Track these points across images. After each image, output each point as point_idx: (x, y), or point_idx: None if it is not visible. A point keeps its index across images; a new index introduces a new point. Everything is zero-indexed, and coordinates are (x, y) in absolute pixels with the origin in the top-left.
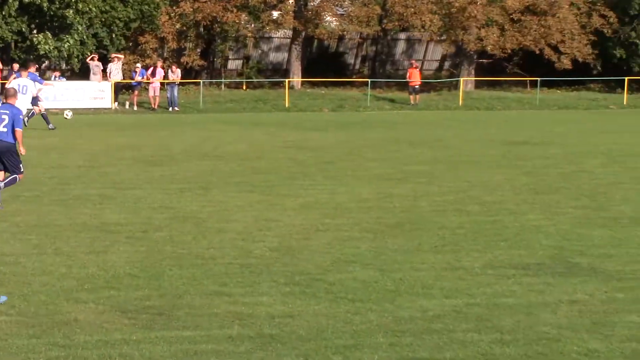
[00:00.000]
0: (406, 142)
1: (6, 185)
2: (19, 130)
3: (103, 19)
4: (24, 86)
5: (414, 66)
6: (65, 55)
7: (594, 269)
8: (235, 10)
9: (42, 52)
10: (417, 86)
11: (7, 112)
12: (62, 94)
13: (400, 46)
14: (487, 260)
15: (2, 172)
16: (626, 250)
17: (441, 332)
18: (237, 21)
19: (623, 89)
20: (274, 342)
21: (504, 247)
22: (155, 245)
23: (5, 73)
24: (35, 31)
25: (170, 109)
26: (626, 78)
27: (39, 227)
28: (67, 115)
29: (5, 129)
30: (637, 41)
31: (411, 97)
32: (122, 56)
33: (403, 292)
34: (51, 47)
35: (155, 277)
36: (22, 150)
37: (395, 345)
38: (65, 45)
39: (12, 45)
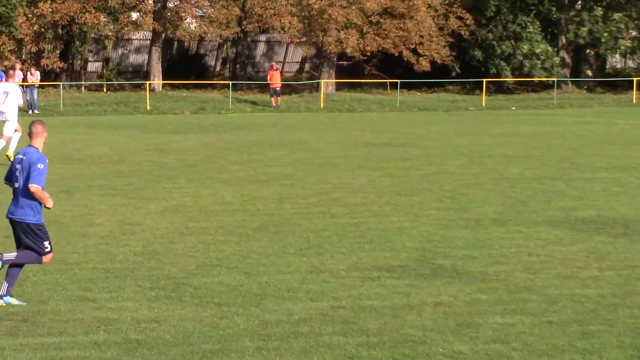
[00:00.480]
0: (268, 144)
1: None
2: None
3: None
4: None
5: (275, 68)
6: None
7: (458, 270)
8: (93, 10)
9: None
10: (278, 88)
11: None
12: None
13: (261, 48)
14: (351, 262)
15: None
16: (488, 251)
17: (308, 335)
18: (95, 22)
19: (482, 90)
20: (140, 347)
21: (368, 249)
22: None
23: None
24: None
25: (30, 111)
26: (484, 80)
27: None
28: None
29: None
30: (494, 43)
31: (272, 99)
32: None
33: (269, 296)
34: None
35: (18, 283)
36: None
37: (262, 349)
38: None
39: None
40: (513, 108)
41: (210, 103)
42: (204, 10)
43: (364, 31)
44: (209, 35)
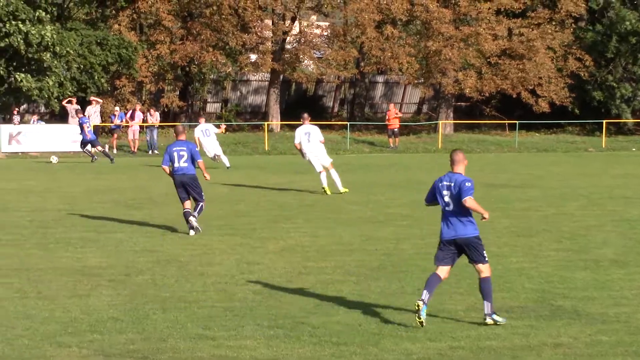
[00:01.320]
0: (386, 184)
1: (199, 213)
2: (200, 161)
3: (82, 63)
4: (206, 130)
5: (393, 109)
6: (46, 95)
7: (577, 311)
8: (211, 49)
9: (24, 90)
10: (396, 129)
11: (185, 148)
12: (41, 137)
13: (379, 89)
14: (470, 303)
15: (188, 202)
16: (608, 292)
17: None
18: (214, 59)
19: (601, 132)
20: None
21: None
22: (138, 288)
23: None
24: (13, 71)
25: (150, 151)
26: (604, 121)
27: (21, 270)
28: (53, 160)
29: (186, 164)
30: (615, 84)
31: (390, 140)
32: (100, 100)
33: (387, 335)
34: (32, 86)
35: (138, 321)
36: (206, 176)
37: None
38: (45, 86)
39: None
40: (633, 149)
41: (328, 144)
42: (322, 52)
43: (482, 72)
44: (326, 76)
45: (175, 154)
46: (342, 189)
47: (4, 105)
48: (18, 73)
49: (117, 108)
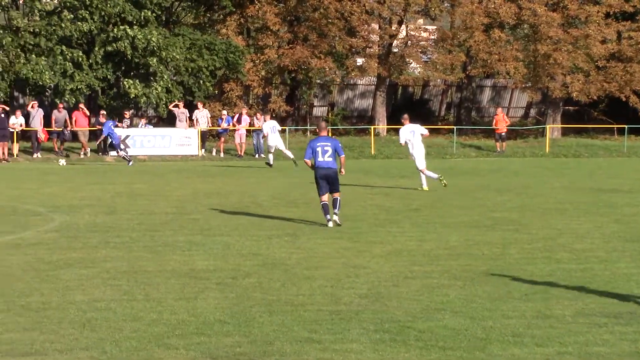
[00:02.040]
0: (493, 189)
1: (339, 209)
2: (343, 157)
3: (189, 68)
4: (273, 127)
5: (500, 113)
6: (154, 102)
7: None
8: (322, 56)
9: (132, 96)
10: (503, 133)
11: (329, 143)
12: (149, 141)
13: (486, 93)
14: (578, 308)
15: (327, 195)
16: None
17: None
18: (323, 67)
19: None
20: None
21: (595, 295)
22: (245, 291)
23: (92, 120)
24: (122, 78)
25: (257, 155)
26: None
27: (129, 273)
28: (60, 163)
29: (330, 158)
30: None
31: (497, 144)
32: (207, 103)
33: (494, 340)
34: (139, 93)
35: (245, 324)
36: (342, 171)
37: None
38: (153, 92)
39: (100, 92)
40: None
41: (434, 148)
42: (429, 56)
43: (590, 75)
44: (433, 80)
45: (319, 148)
46: (425, 187)
47: (113, 109)
48: (126, 79)
49: (224, 112)
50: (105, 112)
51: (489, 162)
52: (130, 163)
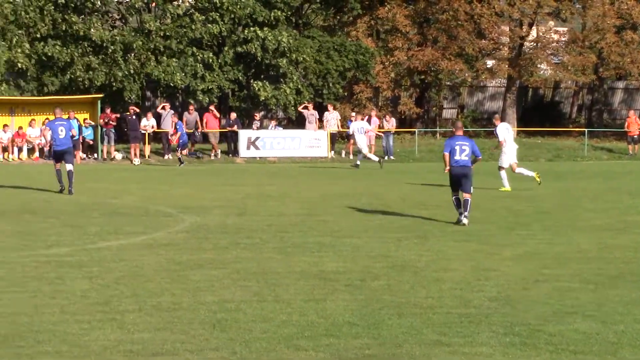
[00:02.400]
0: (625, 192)
1: (469, 211)
2: (480, 158)
3: (317, 70)
4: (361, 127)
5: (633, 115)
6: (282, 104)
7: None
8: (452, 57)
9: (262, 99)
10: (635, 136)
11: (467, 143)
12: (278, 143)
13: (618, 95)
14: None
15: (459, 191)
16: None
17: None
18: (453, 69)
19: None
20: None
21: None
22: (374, 293)
23: (222, 122)
24: (252, 80)
25: (386, 157)
26: None
27: (259, 274)
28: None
29: (466, 158)
30: None
31: (630, 147)
32: (337, 105)
33: (625, 345)
34: (269, 95)
35: (374, 326)
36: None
37: None
38: (283, 94)
39: (230, 94)
40: None
41: (565, 150)
42: (560, 57)
43: None
44: (564, 82)
45: (457, 147)
46: (506, 187)
47: (243, 110)
48: (256, 82)
49: (353, 114)
50: (235, 114)
51: (621, 165)
52: (182, 165)
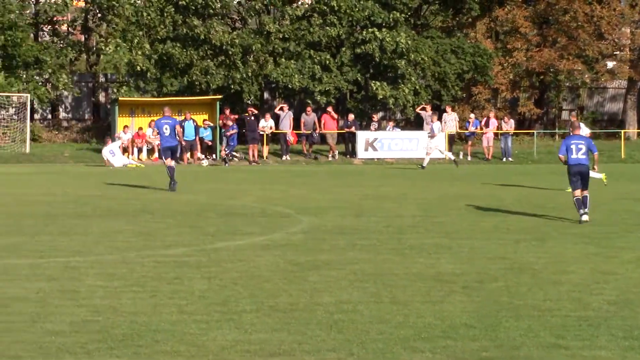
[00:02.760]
0: None
1: (588, 204)
2: (596, 154)
3: (436, 71)
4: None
5: None
6: (401, 104)
7: None
8: (570, 58)
9: (379, 98)
10: None
11: (583, 141)
12: (396, 144)
13: None
14: None
15: (579, 190)
16: None
17: None
18: (572, 69)
19: None
20: None
21: None
22: (491, 295)
23: (340, 123)
24: (370, 80)
25: (504, 159)
26: None
27: (376, 275)
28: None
29: (584, 156)
30: None
31: None
32: (455, 106)
33: None
34: (387, 94)
35: (491, 328)
36: (595, 168)
37: None
38: (401, 93)
39: (348, 95)
40: None
41: None
42: None
43: None
44: None
45: (573, 146)
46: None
47: (361, 112)
48: (374, 81)
49: (472, 115)
50: (353, 116)
51: None
52: (228, 164)
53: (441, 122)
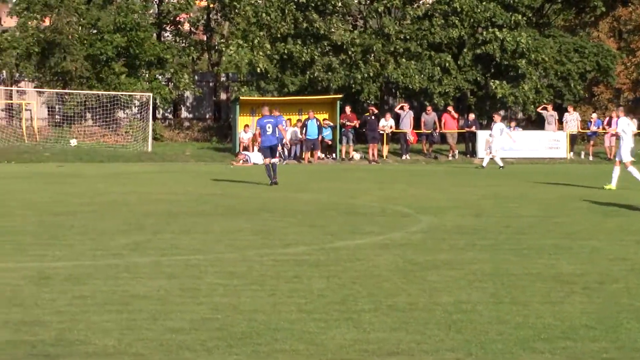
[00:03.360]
0: None
1: None
2: None
3: (558, 71)
4: (502, 129)
5: None
6: (521, 102)
7: None
8: None
9: (498, 96)
10: None
11: None
12: (517, 143)
13: None
14: None
15: None
16: None
17: None
18: None
19: None
20: None
21: None
22: (612, 297)
23: (461, 122)
24: (490, 80)
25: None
26: None
27: (495, 275)
28: (72, 142)
29: None
30: None
31: None
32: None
33: None
34: (506, 93)
35: (612, 330)
36: None
37: None
38: (520, 91)
39: (468, 94)
40: None
41: None
42: None
43: None
44: None
45: None
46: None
47: (481, 111)
48: (493, 80)
49: (593, 115)
50: (474, 115)
51: None
52: (284, 162)
53: (562, 122)
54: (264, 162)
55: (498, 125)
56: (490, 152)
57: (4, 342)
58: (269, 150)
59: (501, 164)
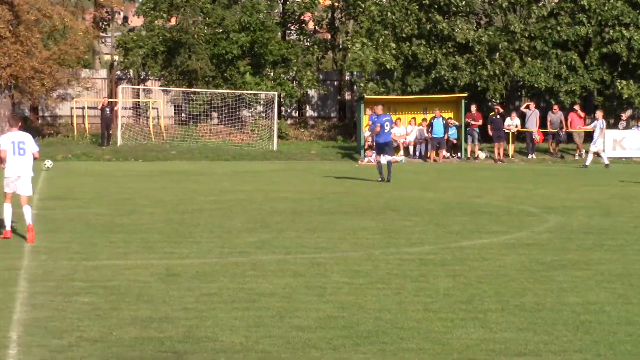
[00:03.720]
0: None
1: None
2: None
3: None
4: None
5: None
6: None
7: None
8: None
9: (625, 97)
10: None
11: None
12: (634, 142)
13: None
14: None
15: None
16: None
17: None
18: None
19: None
20: None
21: None
22: None
23: (587, 121)
24: (617, 79)
25: None
26: None
27: (624, 276)
28: (46, 163)
29: None
30: None
31: None
32: None
33: None
34: (633, 93)
35: None
36: None
37: None
38: None
39: (595, 93)
40: None
41: None
42: None
43: None
44: None
45: None
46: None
47: (607, 110)
48: (620, 80)
49: None
50: (601, 113)
51: None
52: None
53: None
54: (376, 158)
55: (599, 122)
56: (595, 150)
57: (132, 339)
58: (385, 147)
59: (606, 162)
